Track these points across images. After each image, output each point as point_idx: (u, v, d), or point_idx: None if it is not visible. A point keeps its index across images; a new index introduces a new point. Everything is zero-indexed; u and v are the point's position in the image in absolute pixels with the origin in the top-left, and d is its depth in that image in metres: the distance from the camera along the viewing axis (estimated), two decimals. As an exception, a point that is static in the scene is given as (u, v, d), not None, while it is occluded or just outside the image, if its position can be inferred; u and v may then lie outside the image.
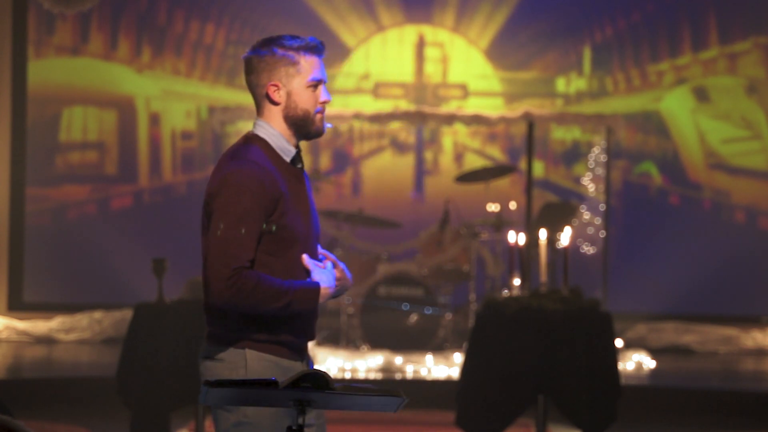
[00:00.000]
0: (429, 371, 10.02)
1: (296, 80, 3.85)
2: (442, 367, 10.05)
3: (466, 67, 13.03)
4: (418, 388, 9.43)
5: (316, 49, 3.89)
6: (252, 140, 3.86)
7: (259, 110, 3.89)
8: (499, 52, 12.98)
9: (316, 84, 3.88)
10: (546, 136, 12.85)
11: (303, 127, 3.87)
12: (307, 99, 3.86)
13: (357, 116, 11.18)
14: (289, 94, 3.85)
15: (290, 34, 3.91)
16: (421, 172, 13.06)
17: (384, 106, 12.47)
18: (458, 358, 10.02)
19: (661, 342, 12.06)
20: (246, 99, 12.39)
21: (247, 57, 3.88)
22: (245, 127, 11.45)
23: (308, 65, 3.87)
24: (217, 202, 3.73)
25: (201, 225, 3.86)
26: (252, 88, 3.89)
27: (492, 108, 12.45)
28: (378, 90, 13.01)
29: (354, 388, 3.29)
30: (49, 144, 12.80)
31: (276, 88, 3.84)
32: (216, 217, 3.72)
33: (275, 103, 3.85)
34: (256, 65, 3.85)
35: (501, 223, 10.90)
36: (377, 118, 11.22)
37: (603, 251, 11.41)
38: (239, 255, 3.69)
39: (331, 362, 10.06)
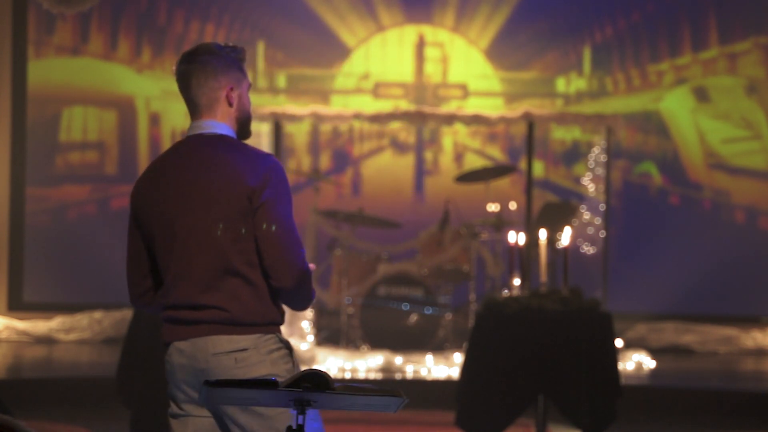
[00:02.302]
0: (429, 371, 10.02)
1: (243, 84, 4.03)
2: (442, 367, 10.04)
3: (466, 67, 13.03)
4: (418, 388, 9.43)
5: (245, 59, 4.10)
6: (228, 137, 3.98)
7: (210, 112, 3.99)
8: (499, 52, 12.97)
9: (248, 89, 4.09)
10: (546, 136, 12.85)
11: (246, 128, 4.07)
12: (249, 102, 4.06)
13: (357, 116, 11.18)
14: (239, 97, 4.01)
15: (219, 43, 4.06)
16: (421, 172, 13.06)
17: (384, 106, 12.47)
18: (458, 358, 10.02)
19: (661, 342, 12.06)
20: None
21: (200, 62, 3.97)
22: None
23: (246, 72, 4.06)
24: (269, 193, 3.85)
25: (220, 218, 3.87)
26: (204, 91, 3.97)
27: (492, 108, 12.45)
28: (378, 90, 13.01)
29: (354, 388, 3.29)
30: (49, 144, 12.80)
31: (232, 90, 3.99)
32: (274, 208, 3.86)
33: (230, 105, 4.00)
34: (212, 69, 3.97)
35: (501, 223, 10.89)
36: (377, 118, 11.22)
37: (603, 251, 11.41)
38: (301, 241, 3.92)
39: (331, 362, 10.06)
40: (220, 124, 3.98)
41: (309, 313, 10.54)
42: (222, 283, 3.86)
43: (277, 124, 11.10)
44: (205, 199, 3.88)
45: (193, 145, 3.96)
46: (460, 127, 12.48)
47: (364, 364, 10.09)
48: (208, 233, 3.87)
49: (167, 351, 3.95)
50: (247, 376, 3.76)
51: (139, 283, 4.04)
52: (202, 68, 3.96)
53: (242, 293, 3.86)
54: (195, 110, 4.00)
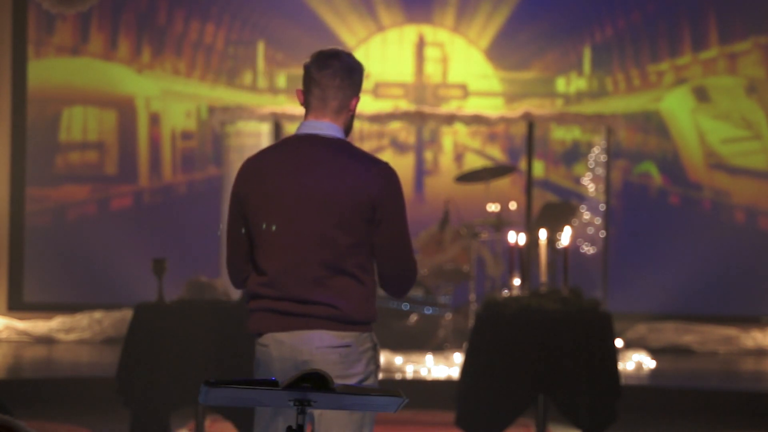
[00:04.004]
0: (429, 371, 10.02)
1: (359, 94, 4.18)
2: (442, 367, 10.04)
3: (466, 67, 13.03)
4: (418, 388, 9.43)
5: None
6: (345, 141, 4.09)
7: (334, 115, 4.09)
8: (499, 52, 12.97)
9: None
10: (546, 136, 12.85)
11: (348, 133, 4.19)
12: None
13: (357, 116, 11.16)
14: (355, 106, 4.17)
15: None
16: (421, 172, 13.06)
17: (384, 106, 12.47)
18: (458, 358, 10.02)
19: (661, 342, 12.06)
20: (245, 99, 12.41)
21: (348, 69, 4.09)
22: (245, 127, 11.43)
23: None
24: (391, 201, 4.00)
25: (340, 221, 3.93)
26: (340, 95, 4.09)
27: (492, 108, 12.45)
28: (378, 90, 13.01)
29: (354, 388, 3.29)
30: (49, 144, 12.80)
31: (357, 100, 4.17)
32: (396, 219, 4.00)
33: (350, 112, 4.14)
34: (356, 76, 4.12)
35: (501, 223, 10.89)
36: (377, 118, 11.22)
37: (603, 251, 11.41)
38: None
39: (331, 362, 10.04)
40: (337, 127, 4.08)
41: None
42: (333, 282, 3.93)
43: (277, 124, 11.10)
44: (327, 203, 3.93)
45: (312, 145, 4.02)
46: (460, 127, 12.48)
47: (364, 364, 10.08)
48: (327, 235, 3.93)
49: (259, 340, 3.99)
50: (346, 372, 3.88)
51: (242, 269, 4.06)
52: (349, 75, 4.09)
53: (352, 292, 3.94)
54: (318, 108, 4.07)
